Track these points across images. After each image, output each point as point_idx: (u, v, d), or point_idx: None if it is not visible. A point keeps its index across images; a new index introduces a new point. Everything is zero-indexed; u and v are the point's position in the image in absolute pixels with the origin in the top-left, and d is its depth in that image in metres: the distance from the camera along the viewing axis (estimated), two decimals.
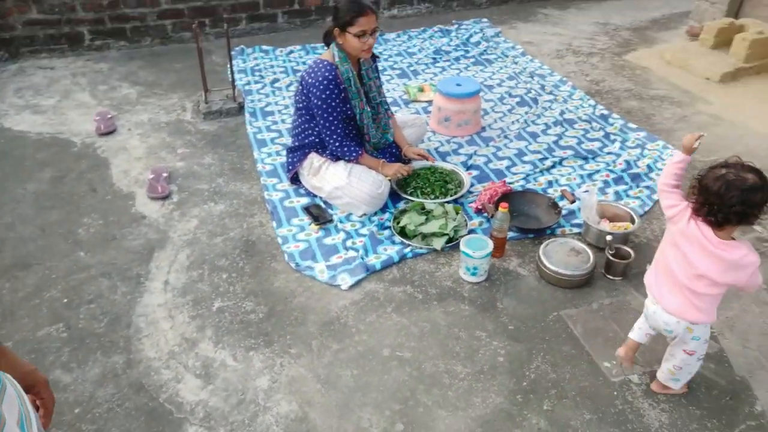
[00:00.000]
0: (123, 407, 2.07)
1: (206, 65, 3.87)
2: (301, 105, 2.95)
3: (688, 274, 1.80)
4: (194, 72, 4.38)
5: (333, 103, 2.83)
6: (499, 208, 2.62)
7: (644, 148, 3.53)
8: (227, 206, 3.07)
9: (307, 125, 3.00)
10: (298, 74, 4.47)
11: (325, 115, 2.85)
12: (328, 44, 2.92)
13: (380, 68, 4.58)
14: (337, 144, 2.92)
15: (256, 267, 2.67)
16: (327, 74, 2.79)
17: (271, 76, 4.43)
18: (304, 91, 2.89)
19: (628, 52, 5.00)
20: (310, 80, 2.82)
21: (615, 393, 2.11)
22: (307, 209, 3.00)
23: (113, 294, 2.54)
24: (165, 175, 3.25)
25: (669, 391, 2.09)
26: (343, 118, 2.90)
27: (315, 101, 2.83)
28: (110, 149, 3.57)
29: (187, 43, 5.07)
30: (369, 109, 2.99)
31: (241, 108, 3.94)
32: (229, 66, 4.12)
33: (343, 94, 2.85)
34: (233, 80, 3.97)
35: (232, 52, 4.81)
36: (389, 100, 4.08)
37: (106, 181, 3.28)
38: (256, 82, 4.36)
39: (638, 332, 2.09)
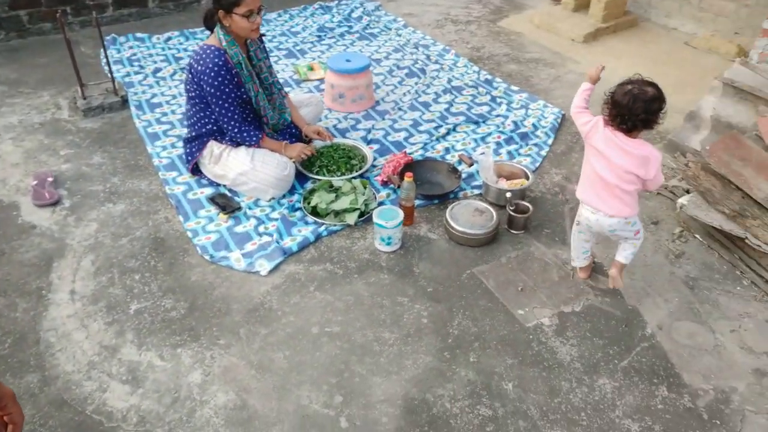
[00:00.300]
0: (47, 426, 1.97)
1: (76, 58, 3.60)
2: (193, 94, 2.86)
3: (615, 175, 2.14)
4: (63, 66, 4.10)
5: (227, 89, 2.77)
6: (405, 178, 2.72)
7: (528, 108, 3.79)
8: (128, 205, 2.94)
9: (202, 114, 2.91)
10: (181, 62, 4.30)
11: (221, 102, 2.79)
12: (210, 28, 2.84)
13: (267, 49, 4.50)
14: (236, 130, 2.87)
15: (169, 264, 2.60)
16: (216, 60, 2.72)
17: (152, 66, 4.21)
18: (195, 80, 2.80)
19: (501, 18, 5.28)
20: (199, 68, 2.74)
21: (530, 337, 2.31)
22: (212, 199, 2.94)
23: (13, 312, 2.37)
24: (50, 179, 3.04)
25: (621, 272, 2.39)
26: (239, 103, 2.85)
27: (208, 89, 2.76)
28: None
29: (48, 35, 4.68)
30: (263, 91, 2.96)
31: (124, 101, 3.73)
32: (104, 57, 3.87)
33: (235, 79, 2.80)
34: (111, 72, 3.74)
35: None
36: (280, 81, 4.05)
37: None
38: (137, 73, 4.13)
39: (578, 254, 2.50)
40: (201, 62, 2.73)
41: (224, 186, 3.04)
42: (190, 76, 2.82)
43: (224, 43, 2.74)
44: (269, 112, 3.00)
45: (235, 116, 2.84)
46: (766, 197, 2.52)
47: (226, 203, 2.91)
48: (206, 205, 2.92)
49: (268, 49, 4.46)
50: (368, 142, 3.44)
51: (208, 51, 2.73)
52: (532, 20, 5.15)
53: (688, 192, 2.88)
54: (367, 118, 3.70)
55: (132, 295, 2.45)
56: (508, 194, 2.78)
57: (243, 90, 2.85)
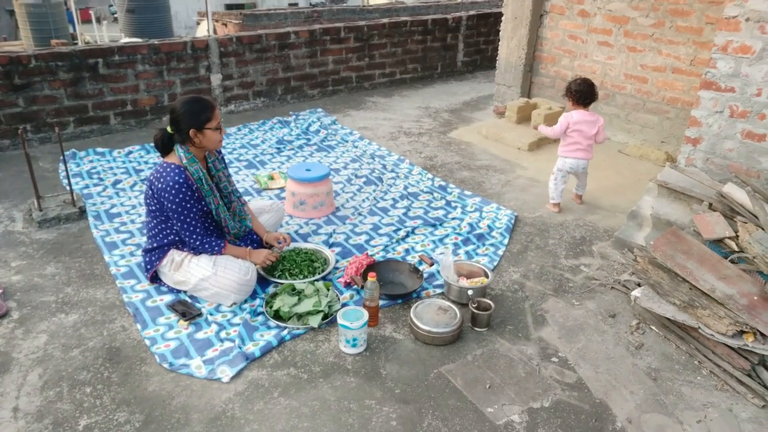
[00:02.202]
0: None
1: (34, 172, 3.61)
2: (153, 208, 2.88)
3: (586, 137, 3.83)
4: (19, 180, 4.11)
5: (188, 205, 2.80)
6: (368, 278, 2.75)
7: (482, 211, 3.95)
8: (81, 315, 2.83)
9: (163, 226, 2.92)
10: (142, 174, 4.35)
11: (182, 218, 2.81)
12: (165, 152, 2.88)
13: (226, 160, 4.63)
14: (197, 243, 2.88)
15: (124, 374, 2.48)
16: (177, 178, 2.76)
17: (112, 178, 4.24)
18: (155, 196, 2.82)
19: (451, 130, 5.62)
20: (160, 185, 2.77)
21: None
22: (172, 306, 2.87)
23: None
24: None
25: (580, 199, 4.17)
26: (200, 217, 2.88)
27: (169, 206, 2.79)
28: None
29: (5, 151, 4.70)
30: (222, 201, 3.01)
31: (82, 212, 3.70)
32: (64, 169, 3.87)
33: (196, 194, 2.84)
34: (70, 184, 3.74)
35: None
36: (241, 191, 4.13)
37: None
38: (96, 185, 4.14)
39: (558, 194, 4.01)
40: (162, 180, 2.77)
41: (184, 293, 2.99)
42: (150, 192, 2.85)
43: (185, 161, 2.81)
44: (230, 223, 3.04)
45: (197, 230, 2.87)
46: (711, 288, 2.65)
47: (186, 310, 2.85)
48: (166, 312, 2.85)
49: (228, 161, 4.61)
50: (330, 246, 3.49)
51: (168, 169, 2.79)
52: (480, 131, 5.50)
53: (639, 285, 3.00)
54: (328, 223, 3.78)
55: (82, 410, 2.30)
56: (470, 292, 2.83)
57: (204, 203, 2.90)
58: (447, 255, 3.04)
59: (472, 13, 7.63)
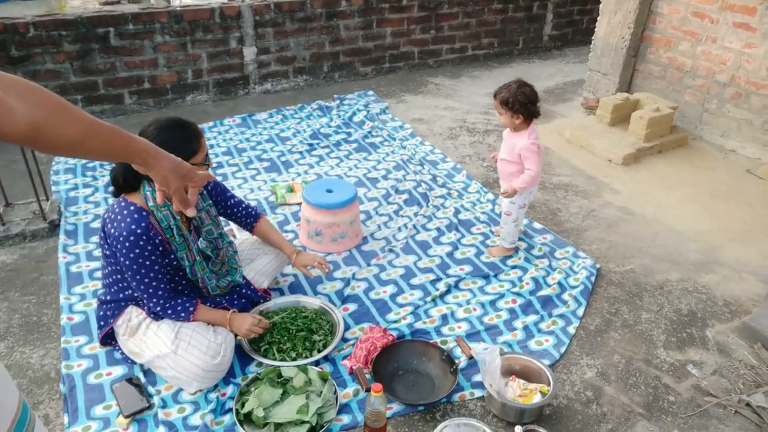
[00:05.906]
0: None
1: (25, 164, 2.98)
2: (108, 253, 2.15)
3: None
4: (9, 175, 3.47)
5: (147, 262, 2.06)
6: (371, 393, 1.91)
7: (552, 257, 2.99)
8: None
9: (119, 276, 2.19)
10: None
11: (138, 277, 2.08)
12: (125, 191, 2.11)
13: (246, 159, 3.86)
14: (159, 308, 2.14)
15: None
16: (134, 226, 2.01)
17: (107, 176, 3.57)
18: (107, 243, 2.11)
19: None
20: (113, 232, 2.04)
21: None
22: (116, 390, 2.16)
23: None
24: None
25: (504, 251, 2.99)
26: (165, 274, 2.14)
27: (121, 259, 2.06)
28: None
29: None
30: (200, 258, 2.25)
31: (54, 227, 3.05)
32: (36, 168, 3.15)
33: (161, 248, 2.10)
34: (36, 189, 3.04)
35: None
36: (253, 203, 3.37)
37: None
38: (86, 186, 3.49)
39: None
40: (115, 226, 2.03)
41: (140, 366, 2.28)
42: (102, 235, 2.13)
43: (151, 203, 2.07)
44: (211, 282, 2.30)
45: (159, 292, 2.12)
46: None
47: (133, 394, 2.14)
48: (109, 397, 2.16)
49: (247, 160, 3.85)
50: (344, 300, 2.67)
51: (125, 212, 2.04)
52: (562, 133, 4.44)
53: None
54: (349, 261, 2.95)
55: None
56: (518, 429, 1.92)
57: (173, 257, 2.17)
58: (493, 354, 2.13)
59: None
